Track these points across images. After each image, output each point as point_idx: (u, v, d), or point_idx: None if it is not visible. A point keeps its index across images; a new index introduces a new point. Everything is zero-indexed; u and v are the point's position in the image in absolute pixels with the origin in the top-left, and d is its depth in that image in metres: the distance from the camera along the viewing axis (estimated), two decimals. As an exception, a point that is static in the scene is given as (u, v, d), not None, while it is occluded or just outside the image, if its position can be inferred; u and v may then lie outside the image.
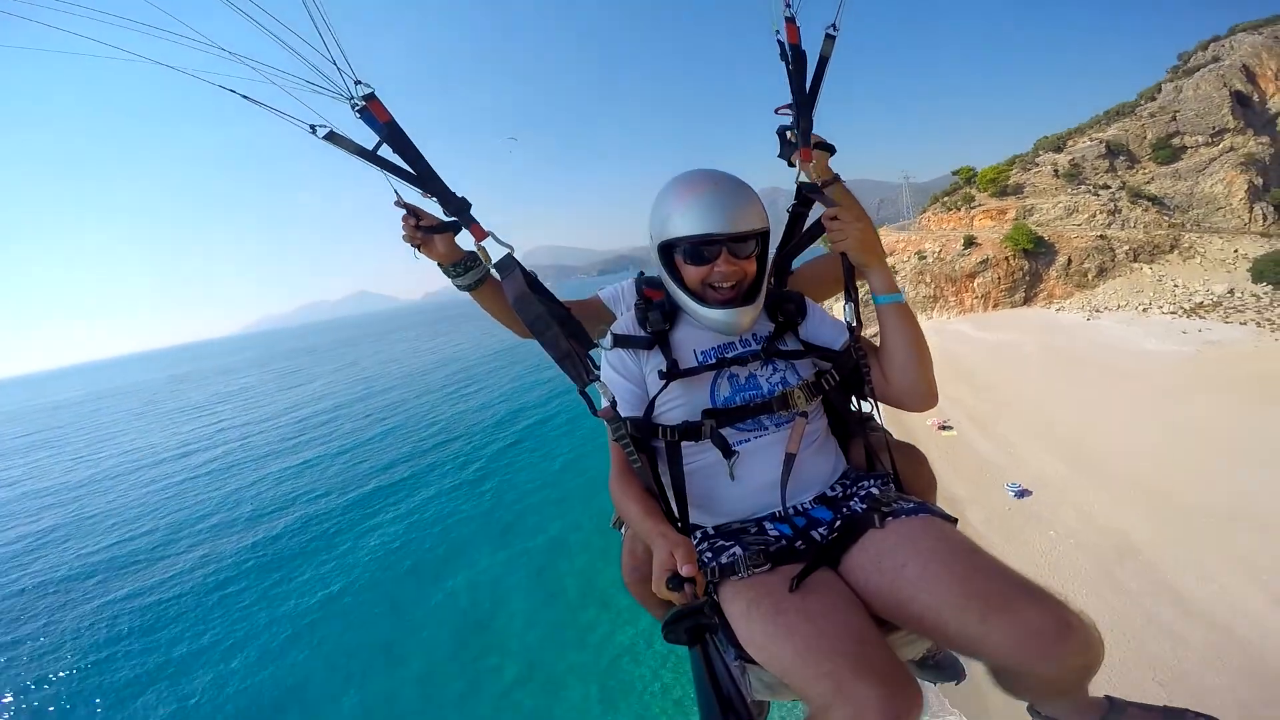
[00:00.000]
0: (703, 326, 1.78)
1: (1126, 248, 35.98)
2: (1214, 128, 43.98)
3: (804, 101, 1.93)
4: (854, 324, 1.77)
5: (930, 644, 1.58)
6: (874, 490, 1.70)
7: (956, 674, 1.84)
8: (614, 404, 1.66)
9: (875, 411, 1.88)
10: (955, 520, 1.55)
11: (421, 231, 1.85)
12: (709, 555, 1.60)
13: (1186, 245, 36.10)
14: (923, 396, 1.71)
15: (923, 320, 28.42)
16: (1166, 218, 39.92)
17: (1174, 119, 46.14)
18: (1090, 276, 35.30)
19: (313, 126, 1.56)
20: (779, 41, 1.92)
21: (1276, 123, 44.56)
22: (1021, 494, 16.16)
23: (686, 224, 1.63)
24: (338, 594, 18.69)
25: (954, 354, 28.20)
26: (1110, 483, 14.88)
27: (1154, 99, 49.19)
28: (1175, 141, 44.90)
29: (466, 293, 2.02)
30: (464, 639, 15.32)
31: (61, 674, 16.63)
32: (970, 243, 38.39)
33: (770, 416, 1.70)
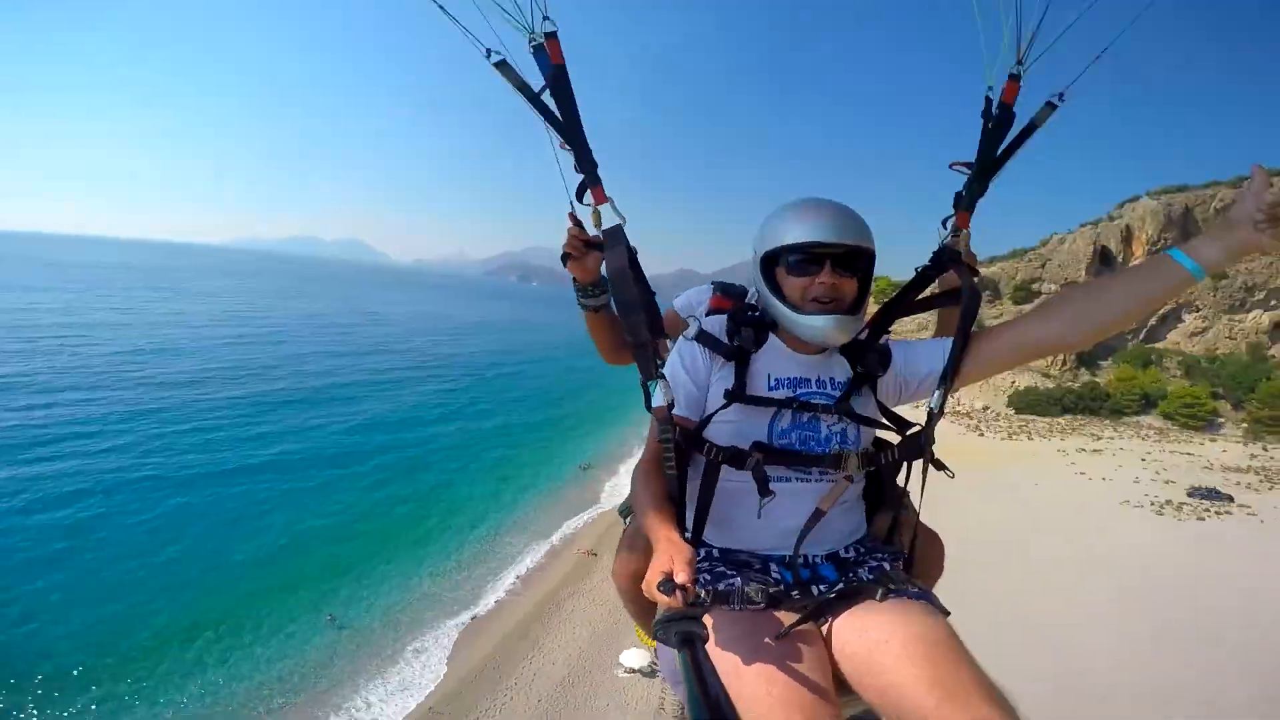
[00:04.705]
0: (788, 354, 1.76)
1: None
2: (1066, 278, 54.90)
3: (988, 167, 1.87)
4: (936, 411, 1.72)
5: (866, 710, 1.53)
6: (885, 565, 1.71)
7: None
8: (671, 405, 1.65)
9: (918, 494, 1.85)
10: (948, 614, 1.56)
11: (585, 246, 1.89)
12: (708, 577, 1.62)
13: (978, 372, 49.77)
14: (1089, 339, 1.57)
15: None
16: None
17: (1043, 266, 57.25)
18: (906, 393, 49.16)
19: (488, 50, 1.61)
20: (988, 97, 1.82)
21: (1121, 282, 56.27)
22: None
23: (797, 232, 1.61)
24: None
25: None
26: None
27: (1046, 245, 59.96)
28: (1034, 286, 56.35)
29: (587, 311, 2.05)
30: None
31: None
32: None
33: (819, 468, 1.69)
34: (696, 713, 1.21)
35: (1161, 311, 53.07)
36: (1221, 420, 45.94)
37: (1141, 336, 53.93)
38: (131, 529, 21.88)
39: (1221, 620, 17.30)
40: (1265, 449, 40.93)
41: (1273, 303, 52.42)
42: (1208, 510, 28.60)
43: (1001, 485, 29.63)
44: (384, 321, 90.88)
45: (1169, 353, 52.36)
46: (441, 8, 1.51)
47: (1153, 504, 29.05)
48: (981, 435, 41.36)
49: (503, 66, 1.65)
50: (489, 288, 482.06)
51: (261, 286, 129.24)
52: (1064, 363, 51.13)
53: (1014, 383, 48.19)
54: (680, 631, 1.40)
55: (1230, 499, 30.18)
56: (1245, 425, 44.14)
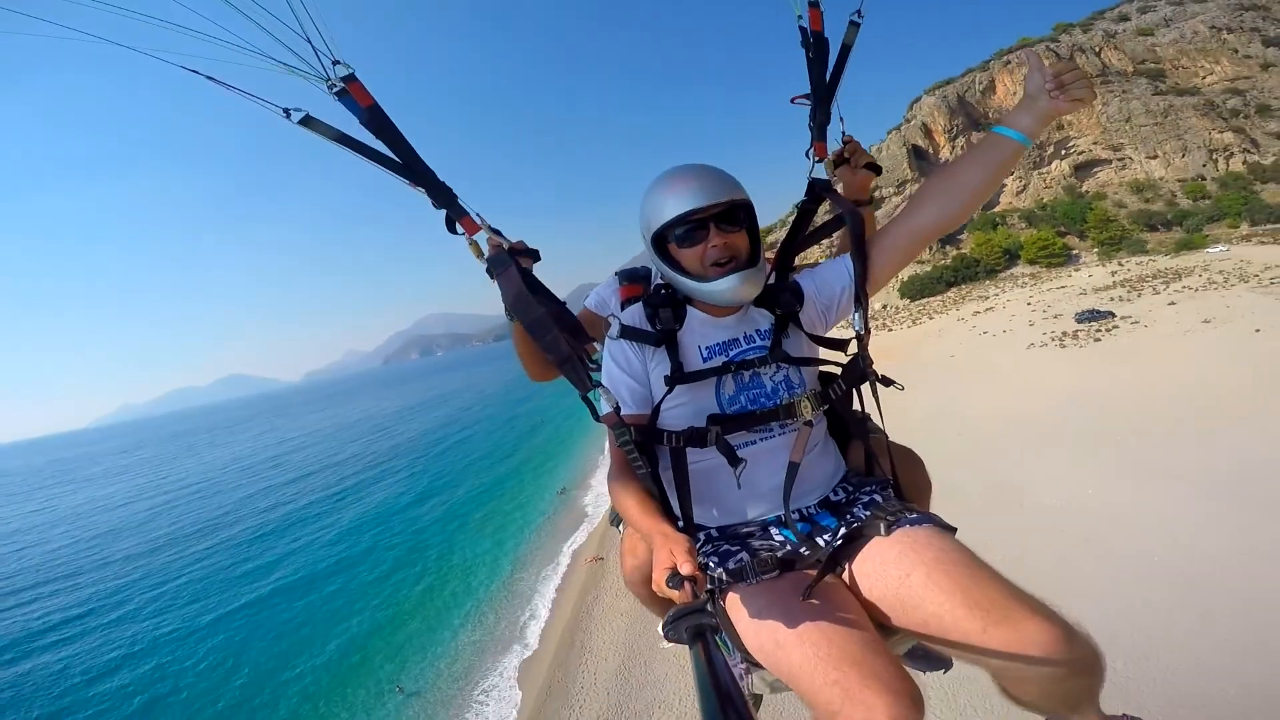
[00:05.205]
0: (709, 322, 1.77)
1: (827, 285, 54.65)
2: (899, 180, 62.54)
3: (823, 92, 1.95)
4: (862, 332, 1.78)
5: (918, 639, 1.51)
6: (877, 497, 1.72)
7: (944, 663, 1.82)
8: (617, 409, 1.64)
9: (877, 414, 1.90)
10: (955, 530, 1.57)
11: (511, 256, 1.76)
12: (715, 560, 1.62)
13: (864, 275, 55.08)
14: (963, 216, 1.65)
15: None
16: (869, 255, 58.48)
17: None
18: (802, 310, 53.55)
19: (287, 110, 1.49)
20: (800, 27, 1.90)
21: (949, 168, 63.81)
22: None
23: (673, 206, 1.63)
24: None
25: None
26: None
27: (867, 161, 67.65)
28: (876, 195, 62.75)
29: (515, 321, 1.85)
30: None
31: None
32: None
33: (776, 422, 1.70)
34: (709, 705, 1.14)
35: (988, 181, 61.99)
36: (1076, 252, 53.06)
37: (981, 206, 61.13)
38: (196, 671, 22.82)
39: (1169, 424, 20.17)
40: (1121, 264, 47.78)
41: (1063, 152, 62.03)
42: (1099, 330, 32.54)
43: (924, 369, 33.20)
44: (308, 442, 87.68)
45: (1008, 212, 59.91)
46: (214, 79, 1.41)
47: (1053, 339, 32.82)
48: (891, 331, 45.56)
49: (309, 123, 1.55)
50: (394, 375, 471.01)
51: (157, 454, 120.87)
52: (931, 248, 57.26)
53: (898, 276, 52.97)
54: (691, 627, 1.42)
55: (1112, 314, 34.72)
56: (1096, 250, 51.35)
